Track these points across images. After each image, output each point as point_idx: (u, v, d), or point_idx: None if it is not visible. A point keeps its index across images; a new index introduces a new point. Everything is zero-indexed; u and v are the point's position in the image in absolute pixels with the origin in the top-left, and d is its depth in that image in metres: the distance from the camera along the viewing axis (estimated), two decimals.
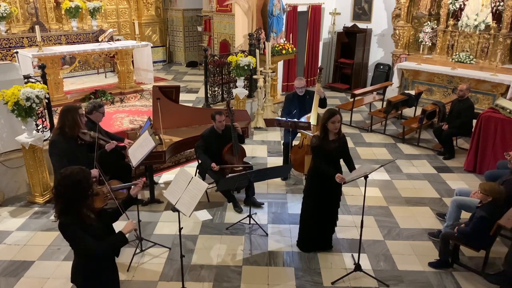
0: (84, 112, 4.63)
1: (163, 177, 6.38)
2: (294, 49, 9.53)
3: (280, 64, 10.01)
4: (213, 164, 5.23)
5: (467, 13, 8.97)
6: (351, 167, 4.36)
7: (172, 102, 5.96)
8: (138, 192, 3.23)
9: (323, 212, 4.46)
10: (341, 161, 4.41)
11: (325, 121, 4.15)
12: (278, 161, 6.73)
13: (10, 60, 8.61)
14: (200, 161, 5.69)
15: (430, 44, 9.65)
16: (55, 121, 6.42)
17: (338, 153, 4.30)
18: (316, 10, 10.77)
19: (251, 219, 5.09)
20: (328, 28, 11.52)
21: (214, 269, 4.32)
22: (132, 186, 3.24)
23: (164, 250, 4.60)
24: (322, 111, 6.13)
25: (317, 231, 4.54)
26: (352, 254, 4.54)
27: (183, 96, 8.39)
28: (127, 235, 2.90)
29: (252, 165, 5.65)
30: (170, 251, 4.58)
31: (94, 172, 4.21)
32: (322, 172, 4.27)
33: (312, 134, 5.60)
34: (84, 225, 2.69)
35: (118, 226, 3.02)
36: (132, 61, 8.92)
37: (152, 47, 9.54)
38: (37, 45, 7.69)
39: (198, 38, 13.18)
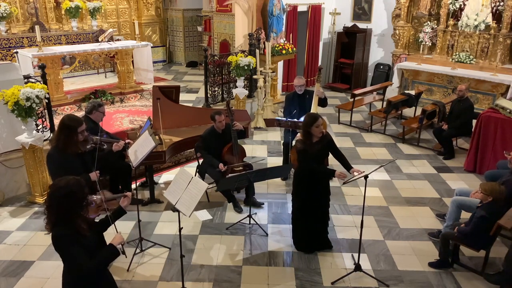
0: (85, 128, 4.29)
1: (163, 177, 6.38)
2: (294, 49, 9.54)
3: (280, 64, 10.01)
4: (221, 165, 5.24)
5: (467, 13, 8.96)
6: (345, 163, 4.39)
7: (172, 102, 5.96)
8: (128, 204, 3.12)
9: (312, 213, 4.46)
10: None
11: (308, 127, 4.18)
12: (278, 161, 6.73)
13: (10, 60, 8.60)
14: (200, 162, 5.69)
15: (430, 44, 9.65)
16: (55, 121, 6.43)
17: (323, 154, 4.37)
18: (316, 10, 10.77)
19: (251, 219, 5.09)
20: (328, 28, 11.52)
21: (214, 269, 4.32)
22: (122, 198, 3.12)
23: (164, 250, 4.60)
24: (322, 110, 6.14)
25: (308, 231, 4.55)
26: (352, 254, 4.54)
27: (183, 96, 8.38)
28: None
29: (251, 164, 5.64)
30: (170, 251, 4.58)
31: (93, 176, 4.12)
32: (315, 172, 4.29)
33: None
34: (78, 236, 2.63)
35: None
36: (132, 61, 8.91)
37: (152, 47, 9.54)
38: (37, 45, 7.69)
39: (198, 38, 13.18)
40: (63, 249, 2.63)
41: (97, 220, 3.13)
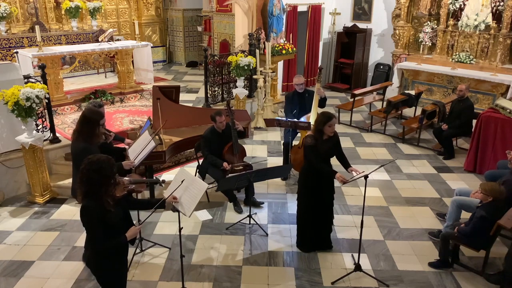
0: (105, 122, 4.52)
1: (163, 177, 6.36)
2: (294, 49, 9.53)
3: (280, 64, 10.01)
4: (225, 164, 5.24)
5: (467, 13, 8.96)
6: (346, 164, 4.41)
7: (172, 102, 5.96)
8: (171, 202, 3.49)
9: (318, 212, 4.47)
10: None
11: (321, 125, 4.19)
12: (278, 161, 6.73)
13: (10, 60, 8.60)
14: (201, 162, 5.69)
15: (430, 44, 9.65)
16: (55, 121, 6.44)
17: (331, 152, 4.37)
18: (316, 10, 10.77)
19: (251, 219, 5.09)
20: (328, 28, 11.52)
21: (214, 269, 4.32)
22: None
23: (164, 250, 4.60)
24: (321, 110, 6.14)
25: (313, 230, 4.56)
26: (352, 254, 4.54)
27: (183, 96, 8.39)
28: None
29: (251, 164, 5.64)
30: (170, 251, 4.59)
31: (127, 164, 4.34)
32: (320, 171, 4.30)
33: None
34: (104, 210, 2.87)
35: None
36: (132, 61, 8.91)
37: (152, 47, 9.53)
38: (37, 45, 7.69)
39: (198, 38, 13.18)
40: (87, 220, 2.88)
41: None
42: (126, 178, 3.38)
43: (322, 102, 6.08)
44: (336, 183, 5.91)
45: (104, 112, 5.26)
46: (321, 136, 4.24)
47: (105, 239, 2.91)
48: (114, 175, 2.97)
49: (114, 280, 3.16)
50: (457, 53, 9.20)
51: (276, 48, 9.00)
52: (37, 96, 5.06)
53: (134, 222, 4.85)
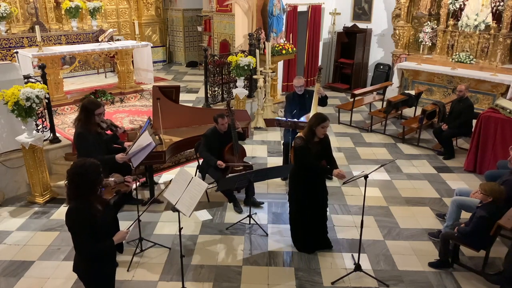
0: (104, 111, 4.82)
1: (163, 177, 6.38)
2: (294, 49, 9.53)
3: (280, 64, 10.00)
4: (219, 162, 5.24)
5: (467, 13, 8.97)
6: (333, 167, 4.41)
7: (172, 102, 5.96)
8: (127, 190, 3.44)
9: (310, 214, 4.46)
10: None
11: (314, 125, 4.19)
12: (278, 161, 6.73)
13: (10, 60, 8.60)
14: (201, 161, 5.69)
15: (430, 44, 9.65)
16: (55, 121, 6.45)
17: (321, 155, 4.35)
18: (316, 10, 10.77)
19: (251, 219, 5.09)
20: (328, 28, 11.52)
21: (214, 269, 4.32)
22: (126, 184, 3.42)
23: (164, 250, 4.60)
24: (322, 110, 6.13)
25: (306, 231, 4.54)
26: (352, 254, 4.54)
27: (183, 96, 8.39)
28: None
29: (251, 164, 5.64)
30: (170, 251, 4.59)
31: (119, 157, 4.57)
32: (315, 170, 4.30)
33: None
34: (91, 213, 2.83)
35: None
36: (132, 61, 8.91)
37: (152, 47, 9.52)
38: (37, 45, 7.68)
39: (198, 38, 13.18)
40: (73, 223, 2.84)
41: None
42: (111, 179, 3.34)
43: (323, 101, 6.06)
44: (336, 183, 5.96)
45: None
46: (312, 138, 4.24)
47: (92, 243, 2.86)
48: (100, 180, 2.93)
49: (102, 285, 3.10)
50: (457, 53, 9.20)
51: (276, 48, 9.00)
52: (37, 96, 5.06)
53: (133, 222, 4.87)
